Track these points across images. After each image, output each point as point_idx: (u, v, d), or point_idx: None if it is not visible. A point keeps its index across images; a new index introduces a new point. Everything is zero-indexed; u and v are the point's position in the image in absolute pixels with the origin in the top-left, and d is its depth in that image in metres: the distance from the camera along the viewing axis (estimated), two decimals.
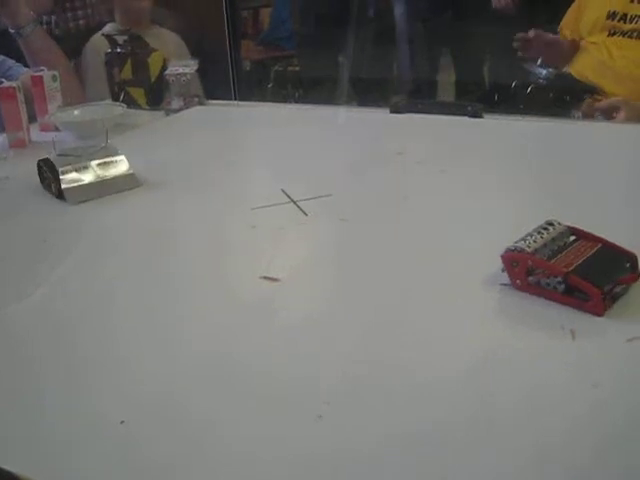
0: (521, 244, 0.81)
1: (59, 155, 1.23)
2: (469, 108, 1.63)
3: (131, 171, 1.24)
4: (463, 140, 1.45)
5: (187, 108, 1.82)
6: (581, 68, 2.06)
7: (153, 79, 1.88)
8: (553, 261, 0.80)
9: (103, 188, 1.20)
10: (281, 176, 1.22)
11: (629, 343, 0.70)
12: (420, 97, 2.41)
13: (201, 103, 1.85)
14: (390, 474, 0.55)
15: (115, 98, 1.90)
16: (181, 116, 1.77)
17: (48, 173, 1.22)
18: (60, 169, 1.19)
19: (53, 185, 1.20)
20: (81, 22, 2.65)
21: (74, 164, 1.20)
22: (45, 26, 2.31)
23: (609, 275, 0.78)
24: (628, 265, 0.81)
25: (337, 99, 2.32)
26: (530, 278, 0.80)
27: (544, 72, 2.15)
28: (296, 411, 0.62)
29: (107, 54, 1.92)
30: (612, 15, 1.93)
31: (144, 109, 1.89)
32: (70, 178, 1.19)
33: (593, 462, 0.56)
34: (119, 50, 1.90)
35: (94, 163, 1.22)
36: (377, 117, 1.66)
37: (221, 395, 0.65)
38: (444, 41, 2.54)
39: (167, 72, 1.82)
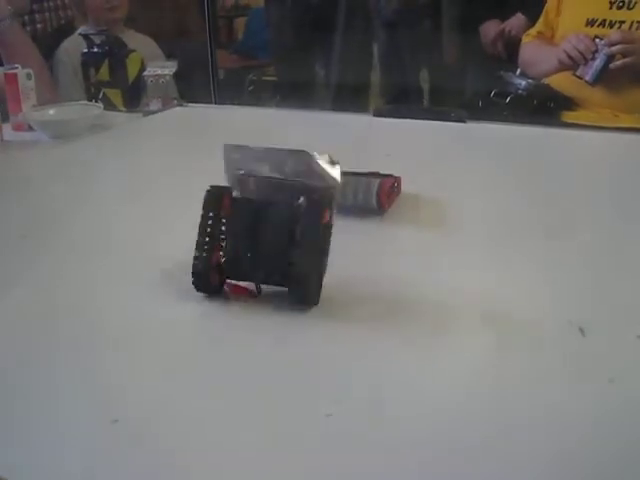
0: None
1: None
2: (452, 114, 1.62)
3: None
4: (448, 143, 1.44)
5: (165, 110, 1.78)
6: (558, 80, 2.06)
7: (131, 80, 1.83)
8: None
9: None
10: None
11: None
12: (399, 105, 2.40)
13: (180, 105, 1.82)
14: None
15: (90, 99, 1.85)
16: (160, 117, 1.74)
17: None
18: None
19: None
20: (50, 24, 2.60)
21: None
22: None
23: None
24: None
25: (315, 105, 2.30)
26: None
27: (523, 83, 2.15)
28: None
29: (84, 54, 1.87)
30: (591, 22, 1.93)
31: (120, 111, 1.84)
32: None
33: None
34: (96, 50, 1.85)
35: None
36: (361, 120, 1.64)
37: None
38: (423, 51, 2.54)
39: (146, 73, 1.79)
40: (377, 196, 1.01)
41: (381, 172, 1.08)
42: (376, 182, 1.03)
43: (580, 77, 1.94)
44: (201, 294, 0.77)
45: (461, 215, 1.03)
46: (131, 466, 0.55)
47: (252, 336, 0.72)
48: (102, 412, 0.60)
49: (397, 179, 1.09)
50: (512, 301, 0.78)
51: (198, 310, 0.77)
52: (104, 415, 0.59)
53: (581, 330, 0.71)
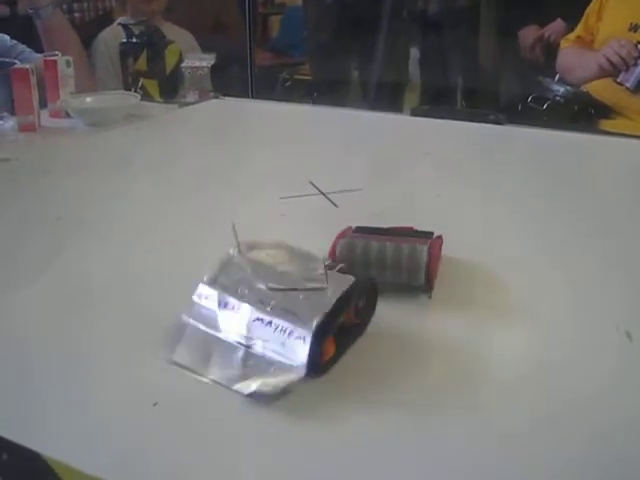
0: None
1: None
2: (491, 117, 1.60)
3: None
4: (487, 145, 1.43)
5: (202, 102, 1.78)
6: (597, 87, 2.03)
7: (168, 71, 1.83)
8: None
9: None
10: (307, 169, 1.17)
11: None
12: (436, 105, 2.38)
13: (216, 97, 1.81)
14: None
15: (128, 89, 1.85)
16: (196, 108, 1.73)
17: None
18: None
19: None
20: (88, 14, 2.62)
21: None
22: None
23: None
24: None
25: (351, 103, 2.29)
26: None
27: (561, 89, 2.13)
28: None
29: (122, 44, 1.87)
30: (634, 27, 1.90)
31: (157, 101, 1.84)
32: None
33: None
34: (135, 40, 1.85)
35: None
36: (399, 120, 1.63)
37: None
38: (461, 53, 2.52)
39: (183, 64, 1.79)
40: (426, 269, 0.74)
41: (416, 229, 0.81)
42: (424, 248, 0.74)
43: (621, 83, 1.91)
44: None
45: (504, 220, 1.02)
46: (172, 449, 0.54)
47: None
48: (142, 395, 0.59)
49: (440, 240, 0.80)
50: (559, 304, 0.76)
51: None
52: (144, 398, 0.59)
53: (628, 335, 0.69)
